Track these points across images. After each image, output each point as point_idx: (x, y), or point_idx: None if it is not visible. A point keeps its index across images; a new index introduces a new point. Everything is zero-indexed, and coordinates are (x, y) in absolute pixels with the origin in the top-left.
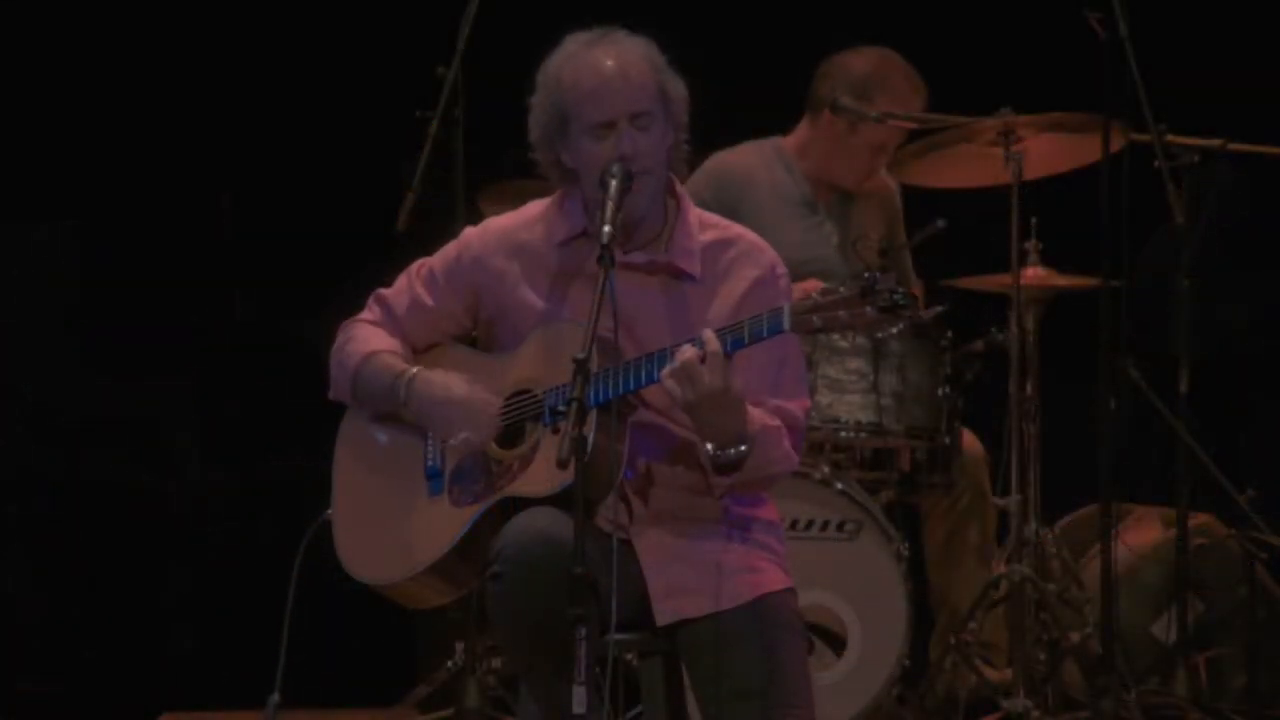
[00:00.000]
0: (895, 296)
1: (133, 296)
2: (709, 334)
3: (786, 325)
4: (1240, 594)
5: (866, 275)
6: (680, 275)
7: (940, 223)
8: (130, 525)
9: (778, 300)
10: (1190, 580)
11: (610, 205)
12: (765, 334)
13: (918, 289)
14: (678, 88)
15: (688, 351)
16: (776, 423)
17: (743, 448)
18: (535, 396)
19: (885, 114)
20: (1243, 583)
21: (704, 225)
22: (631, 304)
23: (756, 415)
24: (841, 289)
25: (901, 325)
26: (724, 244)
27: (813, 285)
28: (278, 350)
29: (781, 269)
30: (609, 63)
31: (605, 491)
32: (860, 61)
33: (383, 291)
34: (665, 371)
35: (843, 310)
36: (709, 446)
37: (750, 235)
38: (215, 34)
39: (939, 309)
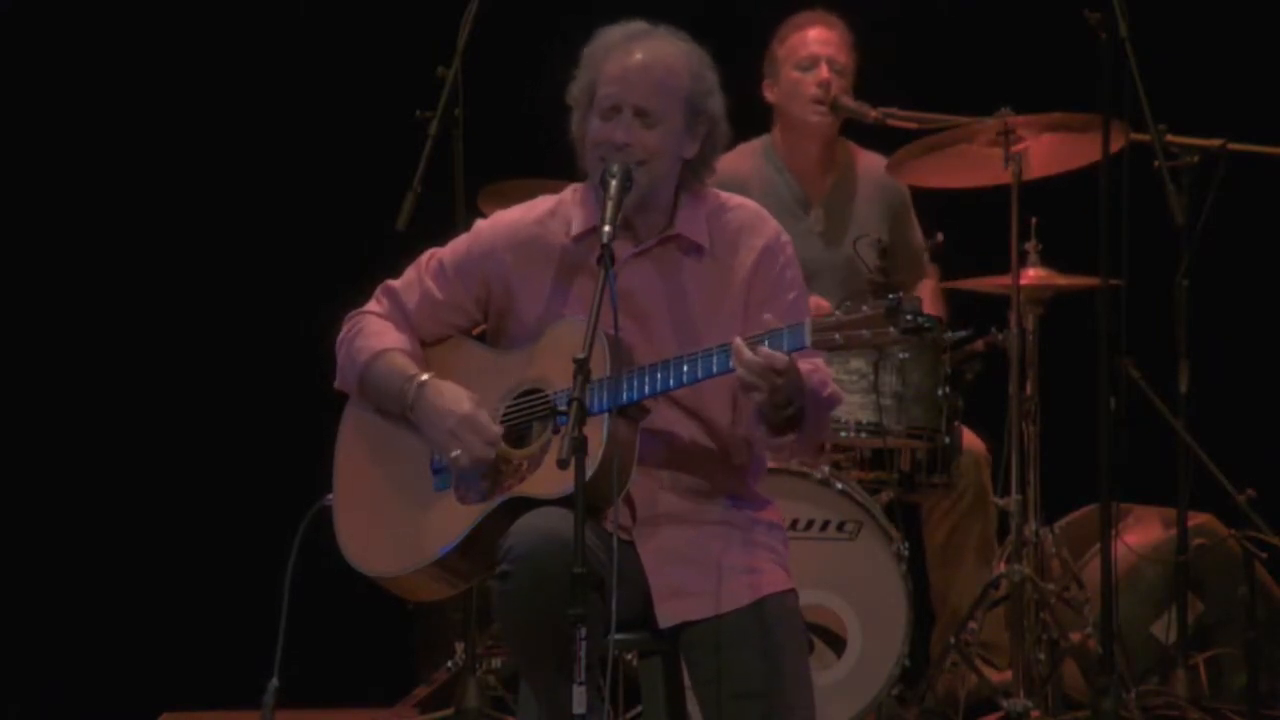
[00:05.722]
0: (920, 319)
1: (132, 296)
2: (778, 356)
3: (808, 341)
4: (1240, 594)
5: (891, 297)
6: (689, 249)
7: (939, 236)
8: (129, 524)
9: (786, 270)
10: (1190, 580)
11: (610, 205)
12: (785, 349)
13: (932, 277)
14: (712, 104)
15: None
16: (812, 366)
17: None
18: (544, 396)
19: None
20: (1243, 583)
21: (706, 199)
22: (644, 293)
23: (803, 370)
24: (865, 307)
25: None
26: (724, 209)
27: (815, 301)
28: (277, 350)
29: (785, 236)
30: (639, 55)
31: (613, 495)
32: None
33: (391, 283)
34: (741, 371)
35: (866, 329)
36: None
37: (751, 204)
38: (216, 34)
39: (964, 333)
